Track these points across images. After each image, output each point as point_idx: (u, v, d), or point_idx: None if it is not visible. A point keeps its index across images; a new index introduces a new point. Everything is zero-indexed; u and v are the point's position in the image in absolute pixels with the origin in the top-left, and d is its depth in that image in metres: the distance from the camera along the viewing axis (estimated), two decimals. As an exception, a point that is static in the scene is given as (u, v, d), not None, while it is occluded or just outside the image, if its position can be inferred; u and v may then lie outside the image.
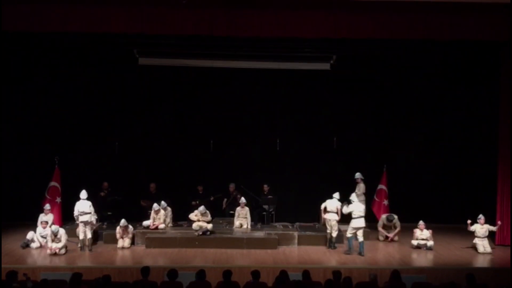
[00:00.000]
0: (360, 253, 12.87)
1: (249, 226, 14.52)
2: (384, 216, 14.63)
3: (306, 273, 9.85)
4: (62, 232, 12.84)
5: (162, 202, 14.41)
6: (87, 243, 13.13)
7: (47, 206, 13.98)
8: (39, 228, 13.47)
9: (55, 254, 12.59)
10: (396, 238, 14.48)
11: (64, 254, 12.66)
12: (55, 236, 12.72)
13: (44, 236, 13.21)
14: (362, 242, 12.97)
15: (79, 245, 13.19)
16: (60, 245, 12.68)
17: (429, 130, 16.45)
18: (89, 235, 13.18)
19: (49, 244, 12.74)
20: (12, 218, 14.89)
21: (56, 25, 12.71)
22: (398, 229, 14.47)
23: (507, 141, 13.88)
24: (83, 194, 13.29)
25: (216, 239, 13.69)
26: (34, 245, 13.21)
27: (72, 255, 12.70)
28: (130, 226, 13.66)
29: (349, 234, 13.14)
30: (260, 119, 16.27)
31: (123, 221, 13.48)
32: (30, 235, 13.33)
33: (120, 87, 15.84)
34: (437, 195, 16.28)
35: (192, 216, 14.00)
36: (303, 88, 16.18)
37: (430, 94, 16.31)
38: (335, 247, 13.46)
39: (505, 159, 14.01)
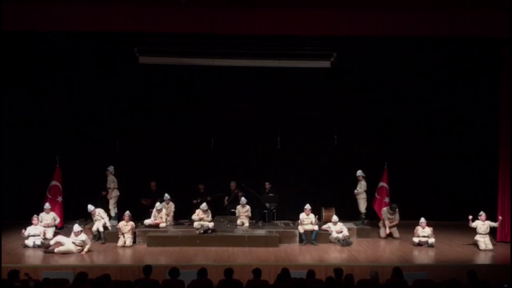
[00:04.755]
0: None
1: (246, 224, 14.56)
2: (385, 209, 14.58)
3: (311, 273, 9.83)
4: (84, 237, 12.86)
5: (166, 195, 14.45)
6: (102, 235, 13.62)
7: (47, 205, 13.97)
8: (31, 227, 13.31)
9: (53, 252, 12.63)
10: (397, 235, 14.46)
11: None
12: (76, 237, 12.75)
13: (34, 234, 13.19)
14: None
15: (96, 237, 13.70)
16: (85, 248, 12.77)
17: (430, 127, 16.42)
18: (101, 228, 13.66)
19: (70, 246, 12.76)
20: (13, 217, 14.88)
21: (56, 24, 12.73)
22: (395, 222, 14.46)
23: (508, 138, 13.86)
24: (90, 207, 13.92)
25: (217, 237, 13.70)
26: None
27: (74, 254, 12.67)
28: (132, 222, 13.70)
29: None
30: (261, 117, 16.24)
31: (127, 212, 13.63)
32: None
33: (121, 86, 15.86)
34: (438, 192, 16.29)
35: (194, 217, 13.98)
36: (304, 86, 16.14)
37: (431, 91, 16.27)
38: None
39: (505, 156, 14.00)
